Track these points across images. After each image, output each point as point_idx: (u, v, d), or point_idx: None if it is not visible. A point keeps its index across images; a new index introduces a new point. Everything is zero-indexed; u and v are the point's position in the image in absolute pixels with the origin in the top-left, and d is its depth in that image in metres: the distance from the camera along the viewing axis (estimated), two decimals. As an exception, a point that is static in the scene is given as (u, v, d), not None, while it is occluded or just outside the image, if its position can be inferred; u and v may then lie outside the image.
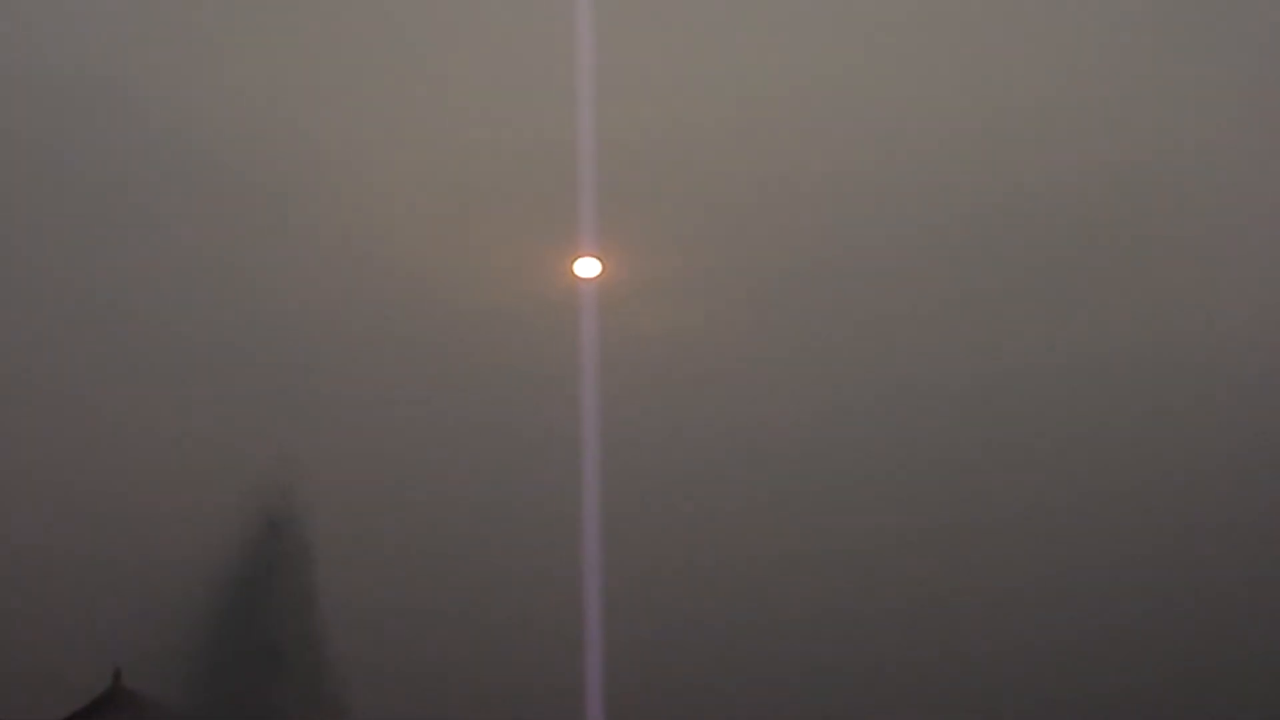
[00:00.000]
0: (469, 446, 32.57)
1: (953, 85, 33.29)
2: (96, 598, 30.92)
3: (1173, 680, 31.44)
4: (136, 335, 33.06)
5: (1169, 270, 34.09)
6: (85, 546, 31.36)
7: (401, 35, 33.62)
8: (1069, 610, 32.10)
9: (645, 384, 32.84)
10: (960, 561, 32.26)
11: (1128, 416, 33.35)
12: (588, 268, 33.15)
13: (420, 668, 30.70)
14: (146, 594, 30.19)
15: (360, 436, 32.71)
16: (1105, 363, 33.24)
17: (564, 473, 31.78)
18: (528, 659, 31.22)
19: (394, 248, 33.59)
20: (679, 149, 33.52)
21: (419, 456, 32.47)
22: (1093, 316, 33.49)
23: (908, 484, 33.01)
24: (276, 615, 29.89)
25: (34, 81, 32.58)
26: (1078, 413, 33.06)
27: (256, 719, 28.11)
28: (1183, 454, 32.85)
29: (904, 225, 33.50)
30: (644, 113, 33.31)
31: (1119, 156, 33.47)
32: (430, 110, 33.58)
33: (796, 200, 33.64)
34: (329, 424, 32.70)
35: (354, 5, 33.88)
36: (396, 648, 30.68)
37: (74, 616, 30.96)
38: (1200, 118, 33.90)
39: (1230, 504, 32.71)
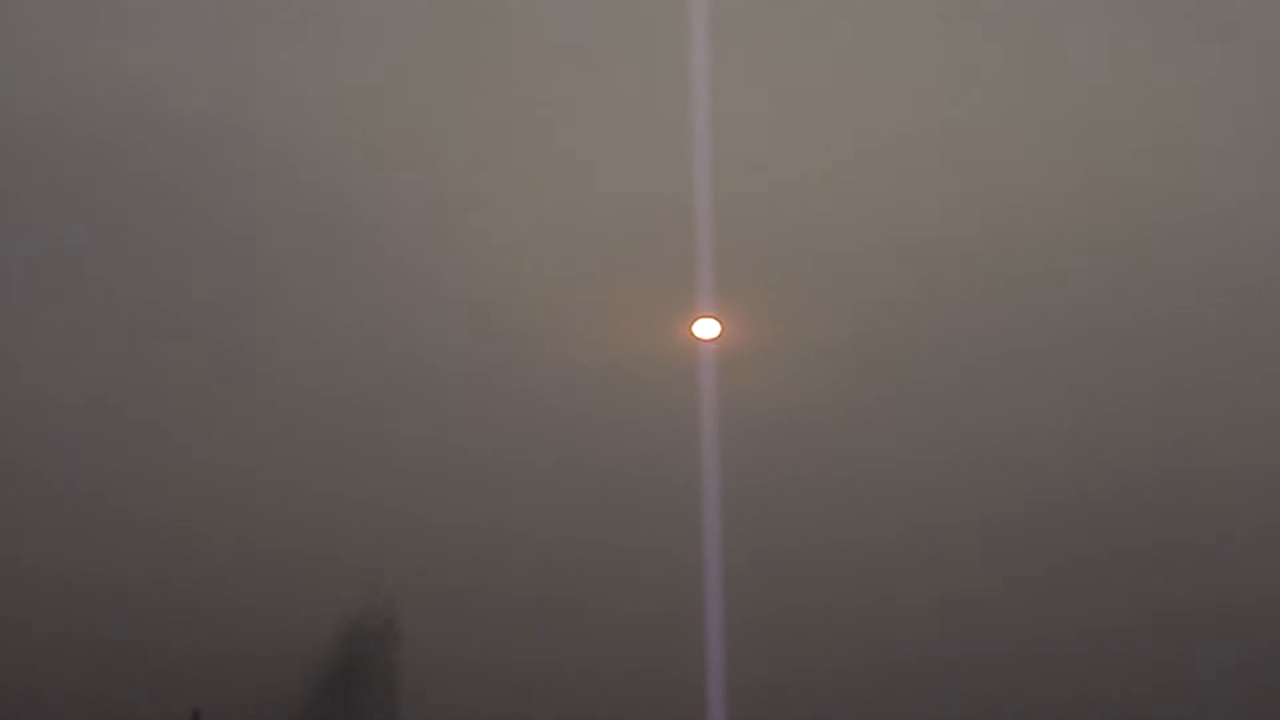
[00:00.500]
0: (587, 504, 32.69)
1: (1086, 145, 33.18)
2: (179, 637, 31.23)
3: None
4: (252, 386, 33.32)
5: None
6: (180, 588, 31.63)
7: (521, 94, 33.87)
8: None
9: (763, 445, 32.87)
10: (1082, 605, 32.20)
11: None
12: (707, 329, 33.20)
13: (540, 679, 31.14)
14: (231, 638, 30.60)
15: (475, 494, 32.87)
16: (1236, 413, 33.01)
17: (684, 531, 31.85)
18: (651, 714, 31.28)
19: (510, 305, 33.86)
20: (800, 210, 33.63)
21: (537, 516, 32.60)
22: (1222, 375, 33.21)
23: (1025, 547, 32.89)
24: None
25: (179, 130, 32.98)
26: (1204, 467, 32.83)
27: None
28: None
29: (1033, 291, 33.35)
30: (764, 173, 33.52)
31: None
32: (550, 167, 33.85)
33: (919, 264, 33.58)
34: (441, 479, 32.90)
35: (470, 64, 34.12)
36: (517, 702, 30.93)
37: (157, 656, 31.23)
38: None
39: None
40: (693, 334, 33.14)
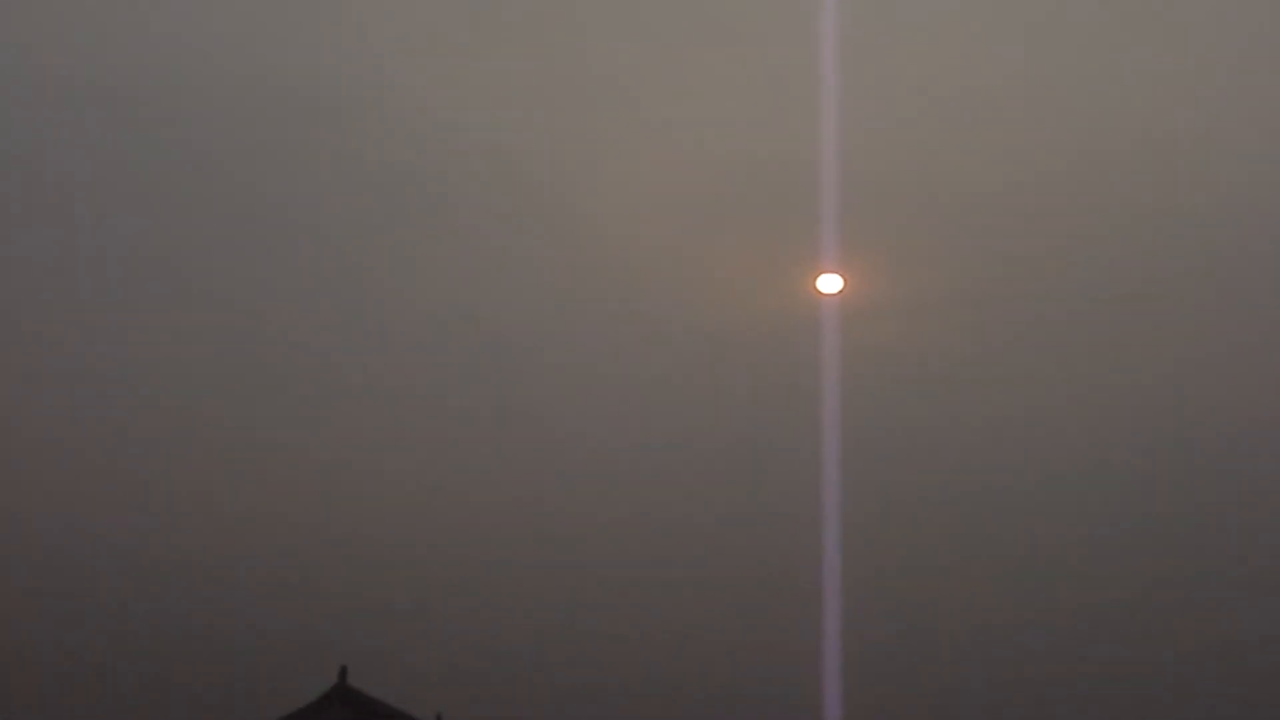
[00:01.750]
0: (712, 458, 33.12)
1: (1197, 97, 33.34)
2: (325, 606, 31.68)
3: None
4: (363, 378, 33.78)
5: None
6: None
7: (643, 53, 34.46)
8: None
9: (885, 397, 33.34)
10: (1182, 560, 32.37)
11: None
12: (830, 283, 33.70)
13: (664, 661, 31.62)
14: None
15: (601, 452, 33.35)
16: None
17: (805, 483, 32.27)
18: (768, 665, 31.79)
19: (636, 262, 34.47)
20: (919, 167, 34.08)
21: (663, 470, 33.07)
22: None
23: (1144, 492, 33.07)
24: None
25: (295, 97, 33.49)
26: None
27: None
28: None
29: (1146, 242, 33.58)
30: (886, 131, 34.00)
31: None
32: (673, 126, 34.48)
33: (1036, 217, 33.91)
34: (567, 437, 33.36)
35: (595, 24, 34.62)
36: (640, 648, 31.35)
37: (305, 621, 31.73)
38: None
39: None
40: (816, 289, 33.72)
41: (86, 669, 30.80)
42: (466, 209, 33.96)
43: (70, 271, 33.30)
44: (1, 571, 31.45)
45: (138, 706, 30.45)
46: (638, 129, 34.13)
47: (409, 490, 33.44)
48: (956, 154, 33.96)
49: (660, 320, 33.83)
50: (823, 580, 31.84)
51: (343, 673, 28.19)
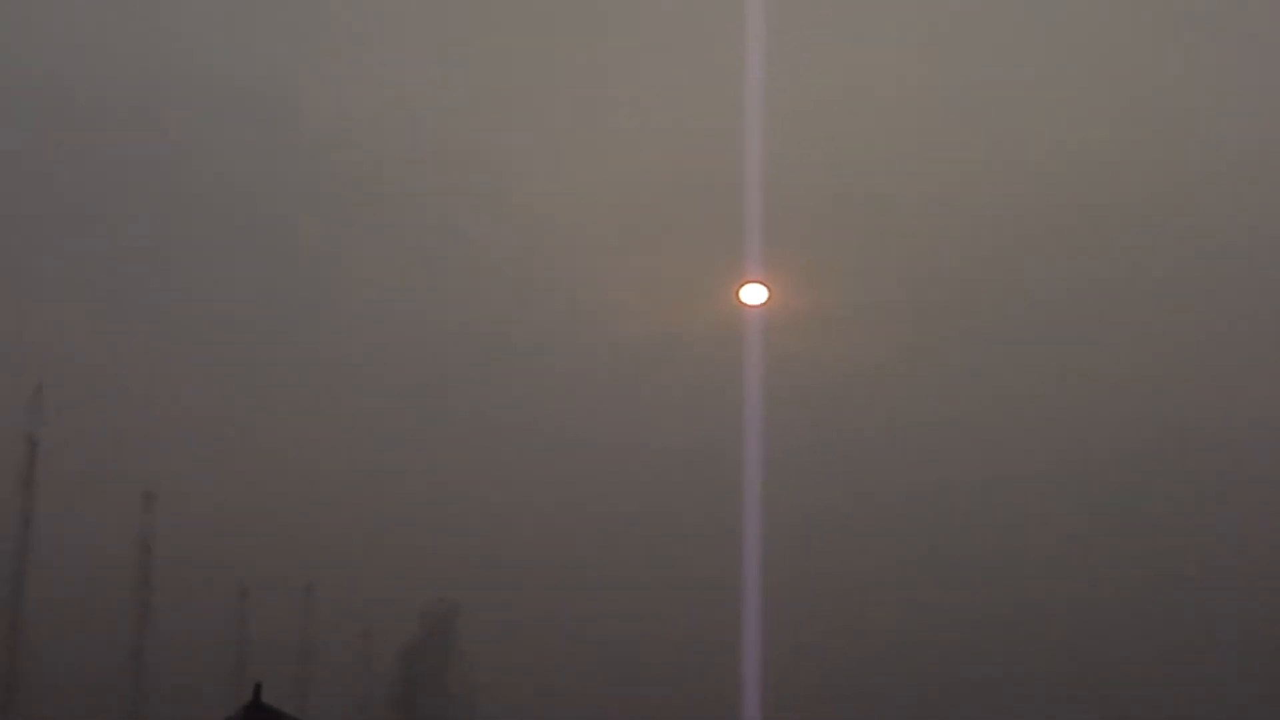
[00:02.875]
0: (634, 468, 32.95)
1: (1135, 114, 32.93)
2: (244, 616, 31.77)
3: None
4: (275, 356, 33.69)
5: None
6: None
7: (572, 64, 34.21)
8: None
9: (807, 408, 33.01)
10: (1121, 579, 32.07)
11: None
12: (754, 294, 33.32)
13: (584, 668, 31.56)
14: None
15: (520, 462, 33.22)
16: None
17: (726, 491, 32.01)
18: (688, 666, 31.63)
19: (555, 272, 34.20)
20: (845, 179, 33.86)
21: (583, 475, 32.90)
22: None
23: (1069, 511, 32.84)
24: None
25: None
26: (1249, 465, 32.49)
27: None
28: None
29: (1072, 256, 33.38)
30: (811, 144, 33.69)
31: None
32: (594, 136, 34.21)
33: (961, 231, 33.72)
34: (484, 445, 33.21)
35: (526, 32, 34.43)
36: (554, 659, 31.27)
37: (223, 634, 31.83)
38: None
39: None
40: (740, 300, 33.32)
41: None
42: (387, 213, 33.70)
43: None
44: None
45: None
46: (556, 139, 34.03)
47: (338, 485, 33.37)
48: (883, 165, 33.90)
49: (580, 331, 33.69)
50: (743, 593, 31.80)
51: (257, 690, 28.14)
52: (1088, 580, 32.28)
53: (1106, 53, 33.41)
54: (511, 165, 34.23)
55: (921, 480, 32.91)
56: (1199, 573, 31.86)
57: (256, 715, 27.15)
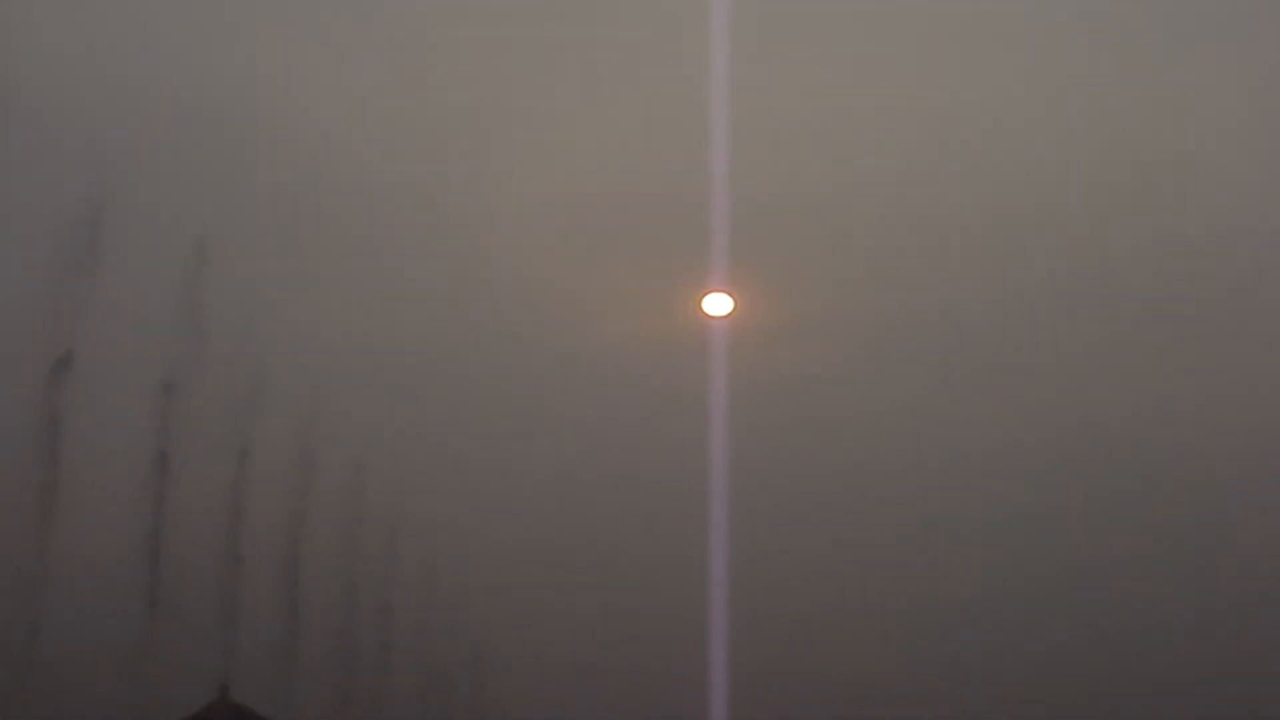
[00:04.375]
0: (596, 481, 32.61)
1: (1098, 131, 33.09)
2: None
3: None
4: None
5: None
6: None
7: (540, 74, 33.92)
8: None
9: (771, 419, 32.82)
10: (1093, 586, 32.02)
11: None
12: (719, 305, 33.11)
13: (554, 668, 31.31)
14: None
15: (480, 477, 32.83)
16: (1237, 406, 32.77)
17: (690, 501, 31.74)
18: (654, 671, 31.60)
19: (518, 283, 33.92)
20: (810, 190, 33.77)
21: (548, 489, 32.55)
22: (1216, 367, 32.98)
23: (1026, 528, 32.88)
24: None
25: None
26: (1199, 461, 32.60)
27: None
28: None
29: (1037, 273, 33.48)
30: (778, 154, 33.54)
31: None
32: (557, 145, 33.90)
33: (927, 242, 33.66)
34: (445, 461, 32.79)
35: (485, 43, 34.08)
36: (533, 648, 30.87)
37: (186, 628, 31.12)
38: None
39: None
40: (704, 309, 33.09)
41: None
42: (339, 230, 33.10)
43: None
44: None
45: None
46: (519, 148, 33.73)
47: (283, 508, 32.69)
48: (849, 176, 33.59)
49: (543, 343, 33.36)
50: (709, 604, 31.52)
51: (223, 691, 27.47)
52: (1065, 587, 32.49)
53: (1074, 64, 33.48)
54: (471, 175, 33.92)
55: (887, 491, 32.82)
56: (1169, 581, 31.96)
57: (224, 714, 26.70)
